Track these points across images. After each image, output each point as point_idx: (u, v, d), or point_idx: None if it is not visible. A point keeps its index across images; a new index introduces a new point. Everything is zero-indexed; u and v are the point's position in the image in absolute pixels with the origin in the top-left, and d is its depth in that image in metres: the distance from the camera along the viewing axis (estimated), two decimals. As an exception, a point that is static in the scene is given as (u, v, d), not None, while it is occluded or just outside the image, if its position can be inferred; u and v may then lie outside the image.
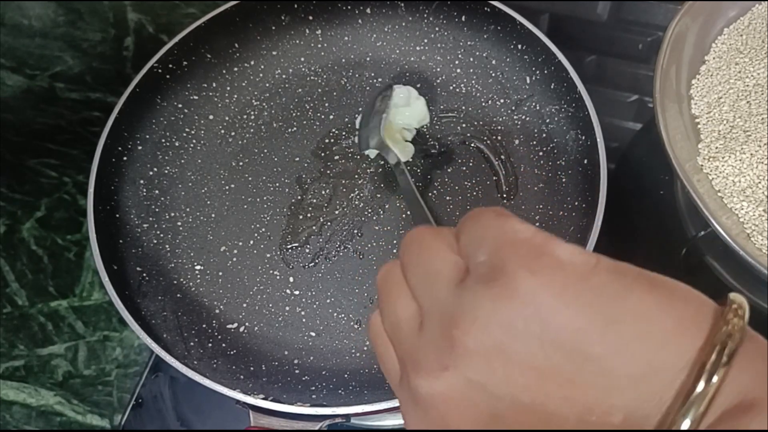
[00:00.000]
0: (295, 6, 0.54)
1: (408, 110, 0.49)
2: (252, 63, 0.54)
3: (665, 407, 0.16)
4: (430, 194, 0.48)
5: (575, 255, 0.17)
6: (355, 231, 0.47)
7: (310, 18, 0.54)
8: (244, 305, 0.45)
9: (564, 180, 0.47)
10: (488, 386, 0.17)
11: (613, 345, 0.16)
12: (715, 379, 0.15)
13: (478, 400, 0.17)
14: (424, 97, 0.50)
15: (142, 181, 0.49)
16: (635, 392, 0.16)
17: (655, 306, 0.17)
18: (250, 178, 0.50)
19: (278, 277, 0.46)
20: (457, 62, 0.54)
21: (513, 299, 0.17)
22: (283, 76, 0.55)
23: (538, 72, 0.50)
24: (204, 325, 0.44)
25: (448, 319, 0.18)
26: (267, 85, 0.54)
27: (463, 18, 0.53)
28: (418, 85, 0.53)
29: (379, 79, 0.54)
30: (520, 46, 0.51)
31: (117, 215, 0.46)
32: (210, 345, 0.43)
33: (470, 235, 0.19)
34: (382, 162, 0.50)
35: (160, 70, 0.50)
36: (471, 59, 0.53)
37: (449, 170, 0.49)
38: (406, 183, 0.44)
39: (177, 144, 0.51)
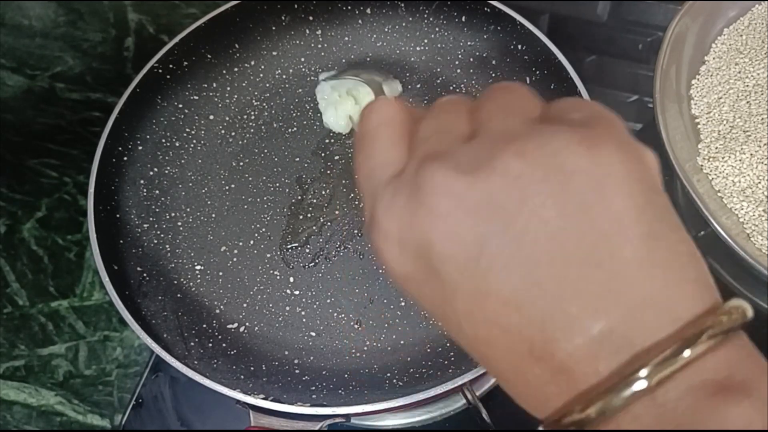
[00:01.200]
0: (295, 6, 0.54)
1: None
2: (252, 63, 0.54)
3: (636, 350, 0.16)
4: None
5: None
6: (355, 231, 0.48)
7: (310, 18, 0.54)
8: (244, 305, 0.45)
9: (564, 180, 0.47)
10: (497, 215, 0.17)
11: (644, 260, 0.16)
12: (689, 353, 0.16)
13: (475, 222, 0.17)
14: (425, 97, 0.50)
15: (142, 181, 0.49)
16: (627, 313, 0.16)
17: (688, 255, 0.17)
18: (250, 178, 0.50)
19: (278, 277, 0.46)
20: (457, 62, 0.54)
21: (600, 147, 0.17)
22: (283, 76, 0.55)
23: (538, 72, 0.50)
24: (204, 325, 0.44)
25: (514, 135, 0.18)
26: (267, 85, 0.54)
27: (463, 18, 0.53)
28: (418, 86, 0.53)
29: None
30: (520, 46, 0.51)
31: (117, 215, 0.46)
32: (210, 345, 0.43)
33: (566, 103, 0.20)
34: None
35: (160, 70, 0.50)
36: (471, 59, 0.53)
37: (449, 170, 0.49)
38: None
39: (177, 144, 0.51)
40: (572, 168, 0.17)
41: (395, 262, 0.19)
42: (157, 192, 0.49)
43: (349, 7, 0.54)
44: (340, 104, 0.50)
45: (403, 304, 0.44)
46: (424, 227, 0.18)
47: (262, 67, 0.55)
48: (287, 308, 0.45)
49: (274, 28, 0.54)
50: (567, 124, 0.18)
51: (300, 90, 0.54)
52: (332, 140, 0.51)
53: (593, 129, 0.17)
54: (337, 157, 0.51)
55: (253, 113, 0.53)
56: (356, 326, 0.44)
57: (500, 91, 0.21)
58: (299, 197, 0.49)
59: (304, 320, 0.44)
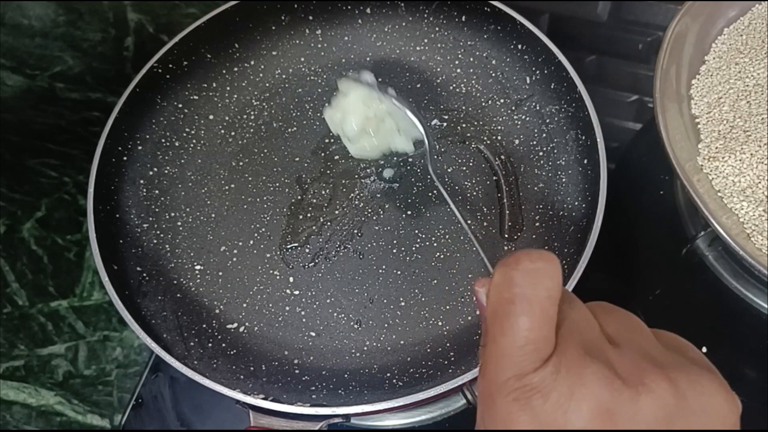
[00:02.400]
0: (295, 6, 0.54)
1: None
2: (252, 63, 0.54)
3: None
4: (429, 194, 0.48)
5: None
6: (355, 231, 0.47)
7: (310, 18, 0.54)
8: (244, 305, 0.45)
9: (564, 180, 0.47)
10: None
11: None
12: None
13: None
14: (425, 97, 0.50)
15: (142, 181, 0.49)
16: None
17: None
18: (250, 178, 0.50)
19: (278, 277, 0.46)
20: (457, 62, 0.54)
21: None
22: (283, 76, 0.55)
23: (538, 72, 0.50)
24: (204, 325, 0.44)
25: (653, 356, 0.20)
26: (267, 85, 0.54)
27: (463, 18, 0.53)
28: (418, 85, 0.53)
29: (379, 79, 0.54)
30: (520, 46, 0.51)
31: (117, 215, 0.46)
32: (210, 345, 0.43)
33: (677, 341, 0.22)
34: (382, 162, 0.50)
35: (160, 70, 0.50)
36: (471, 59, 0.53)
37: (449, 170, 0.49)
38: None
39: (177, 144, 0.51)
40: (716, 410, 0.19)
41: (523, 425, 0.19)
42: (157, 192, 0.49)
43: (349, 7, 0.54)
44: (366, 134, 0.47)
45: (403, 304, 0.44)
46: (579, 417, 0.18)
47: (262, 66, 0.55)
48: (287, 308, 0.45)
49: (274, 27, 0.54)
50: (690, 361, 0.20)
51: (300, 90, 0.54)
52: (332, 140, 0.51)
53: (717, 375, 0.20)
54: (337, 157, 0.51)
55: (252, 113, 0.53)
56: (356, 326, 0.44)
57: (615, 308, 0.22)
58: (299, 197, 0.49)
59: (303, 320, 0.44)
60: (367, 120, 0.46)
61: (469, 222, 0.47)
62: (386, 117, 0.47)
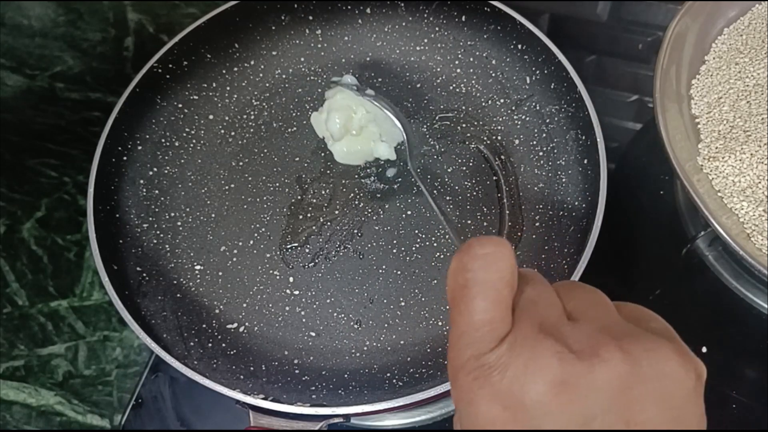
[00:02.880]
0: (295, 6, 0.54)
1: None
2: (252, 63, 0.54)
3: None
4: (430, 194, 0.48)
5: None
6: (355, 231, 0.47)
7: (310, 18, 0.54)
8: (244, 305, 0.45)
9: (564, 180, 0.47)
10: (600, 400, 0.19)
11: None
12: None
13: (584, 404, 0.19)
14: (425, 97, 0.50)
15: (142, 181, 0.49)
16: None
17: None
18: (250, 178, 0.50)
19: (278, 277, 0.46)
20: (457, 62, 0.54)
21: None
22: (283, 76, 0.55)
23: (538, 72, 0.50)
24: (204, 325, 0.44)
25: (611, 329, 0.20)
26: (267, 85, 0.54)
27: (463, 18, 0.53)
28: (418, 85, 0.53)
29: (379, 79, 0.54)
30: (520, 46, 0.51)
31: (117, 215, 0.46)
32: (210, 345, 0.43)
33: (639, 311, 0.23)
34: (382, 162, 0.50)
35: (160, 70, 0.50)
36: (471, 59, 0.53)
37: (449, 170, 0.49)
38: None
39: (177, 144, 0.51)
40: (672, 375, 0.19)
41: (488, 410, 0.19)
42: (157, 192, 0.49)
43: (349, 7, 0.54)
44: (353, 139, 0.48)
45: (403, 304, 0.44)
46: (535, 391, 0.19)
47: (262, 66, 0.55)
48: (287, 308, 0.45)
49: (274, 27, 0.54)
50: (651, 331, 0.21)
51: (300, 90, 0.54)
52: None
53: (678, 343, 0.20)
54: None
55: (252, 113, 0.53)
56: (356, 326, 0.44)
57: (579, 284, 0.23)
58: (299, 197, 0.49)
59: (303, 320, 0.44)
60: (350, 119, 0.47)
61: (469, 222, 0.47)
62: (369, 123, 0.48)
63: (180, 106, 0.52)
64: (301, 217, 0.48)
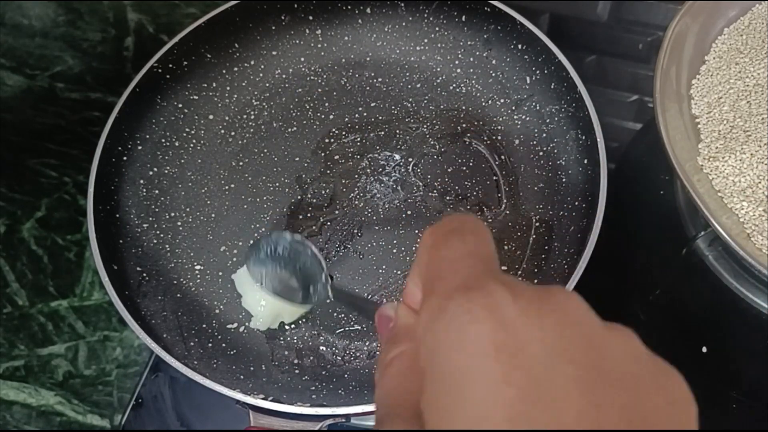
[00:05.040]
0: (295, 6, 0.54)
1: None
2: (252, 63, 0.54)
3: None
4: (430, 194, 0.48)
5: None
6: (355, 231, 0.47)
7: (310, 18, 0.54)
8: (244, 305, 0.45)
9: (564, 180, 0.47)
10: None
11: None
12: None
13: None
14: (425, 97, 0.50)
15: (142, 181, 0.49)
16: None
17: None
18: (250, 178, 0.50)
19: (278, 277, 0.46)
20: (457, 62, 0.54)
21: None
22: (283, 76, 0.55)
23: (538, 72, 0.50)
24: (204, 325, 0.44)
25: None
26: (267, 85, 0.54)
27: (463, 18, 0.53)
28: (418, 85, 0.53)
29: (379, 79, 0.54)
30: (520, 46, 0.51)
31: (117, 215, 0.46)
32: (210, 345, 0.43)
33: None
34: (383, 162, 0.50)
35: (160, 70, 0.50)
36: (471, 59, 0.53)
37: (449, 170, 0.49)
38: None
39: (177, 144, 0.51)
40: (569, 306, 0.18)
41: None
42: (157, 192, 0.49)
43: (349, 7, 0.54)
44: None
45: (403, 304, 0.44)
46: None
47: (262, 66, 0.55)
48: (287, 308, 0.45)
49: (274, 27, 0.54)
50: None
51: (300, 90, 0.54)
52: (332, 140, 0.51)
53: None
54: (337, 157, 0.51)
55: (252, 113, 0.53)
56: (356, 326, 0.44)
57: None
58: (299, 197, 0.49)
59: (303, 320, 0.44)
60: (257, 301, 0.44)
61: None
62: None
63: (180, 106, 0.52)
64: (301, 217, 0.48)
